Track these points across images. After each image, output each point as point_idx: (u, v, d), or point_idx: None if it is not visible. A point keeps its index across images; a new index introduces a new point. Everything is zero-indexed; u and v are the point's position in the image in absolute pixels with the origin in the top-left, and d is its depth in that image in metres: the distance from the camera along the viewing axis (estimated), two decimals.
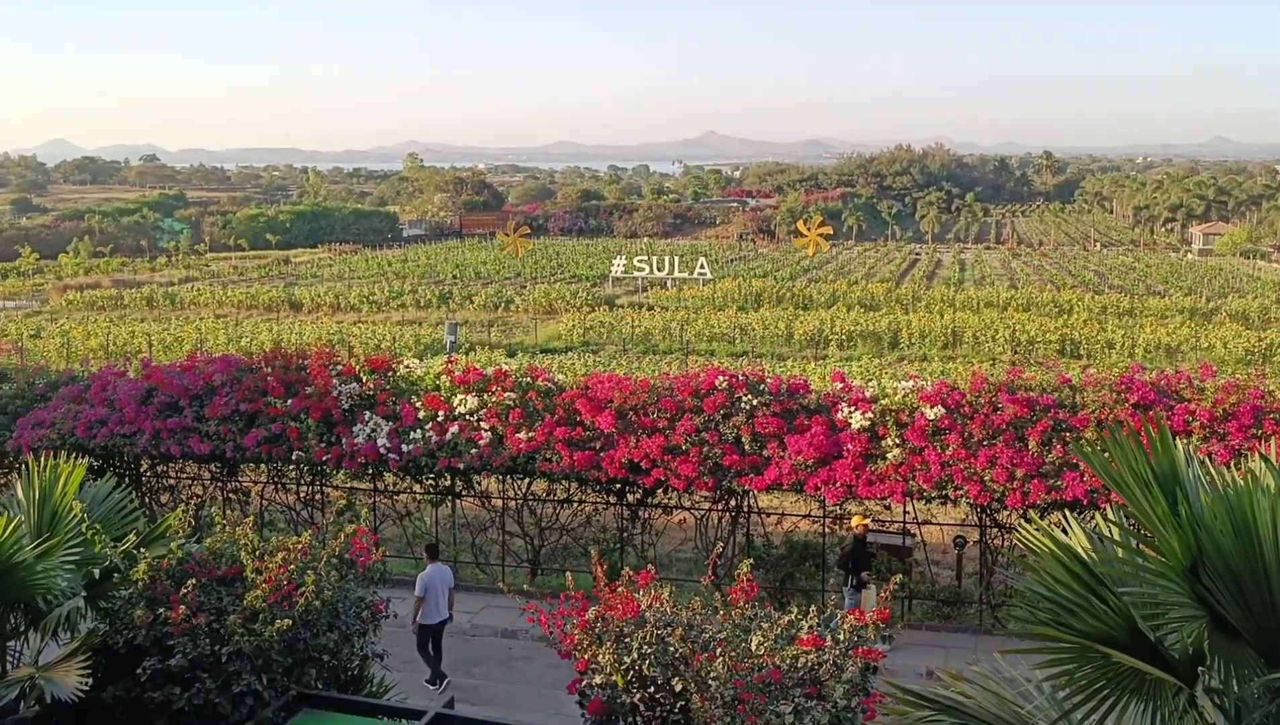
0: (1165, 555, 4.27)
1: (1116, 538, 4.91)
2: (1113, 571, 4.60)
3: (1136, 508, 4.51)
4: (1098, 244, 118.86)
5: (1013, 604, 4.80)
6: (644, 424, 14.20)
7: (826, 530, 14.98)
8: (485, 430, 14.79)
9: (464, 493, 16.02)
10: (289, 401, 15.32)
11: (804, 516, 15.57)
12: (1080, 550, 5.05)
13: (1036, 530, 5.11)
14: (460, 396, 15.13)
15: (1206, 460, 5.01)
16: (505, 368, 16.24)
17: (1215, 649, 4.30)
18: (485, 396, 15.11)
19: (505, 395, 15.02)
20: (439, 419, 14.96)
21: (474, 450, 14.61)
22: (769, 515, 15.57)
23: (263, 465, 16.14)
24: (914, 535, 15.14)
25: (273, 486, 16.57)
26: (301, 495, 16.46)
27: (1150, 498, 4.40)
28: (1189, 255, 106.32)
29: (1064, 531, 5.14)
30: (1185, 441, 12.26)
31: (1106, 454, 4.70)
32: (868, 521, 13.84)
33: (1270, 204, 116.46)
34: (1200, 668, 4.37)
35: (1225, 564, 4.35)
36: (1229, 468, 5.79)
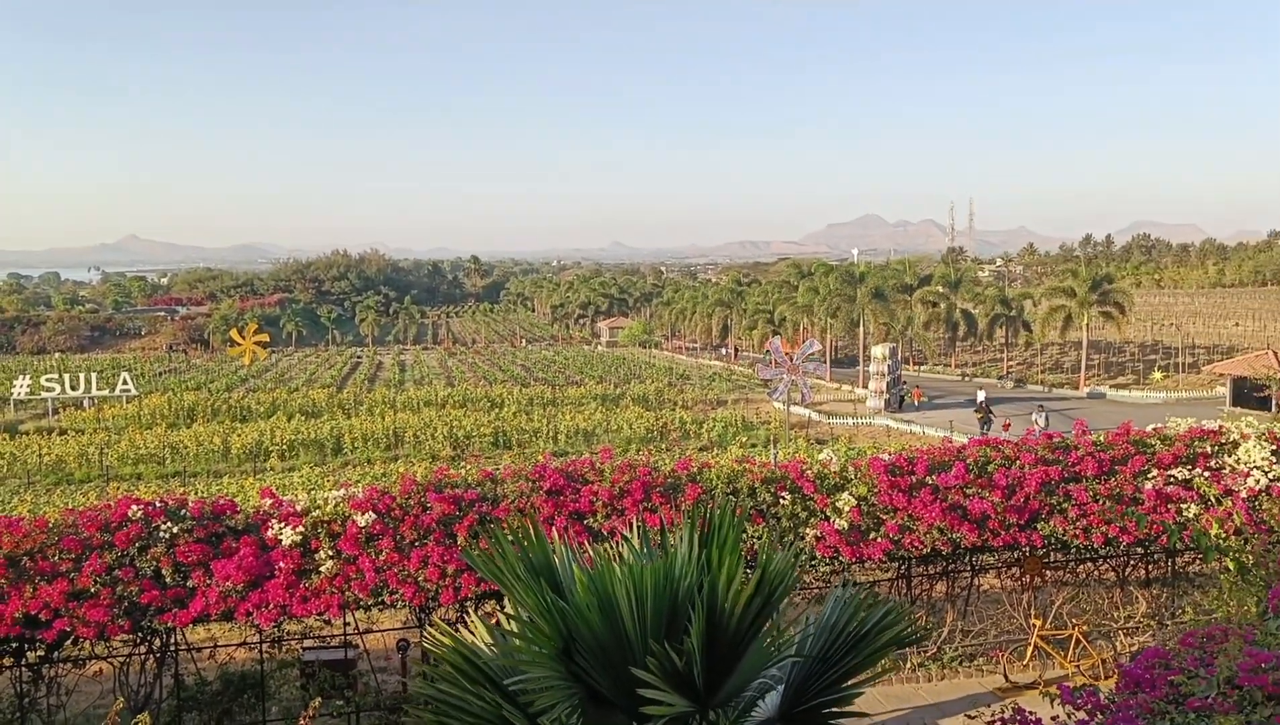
0: (540, 642, 4.73)
1: (514, 629, 5.35)
2: (502, 661, 5.00)
3: (519, 600, 4.96)
4: (524, 340, 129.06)
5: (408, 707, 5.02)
6: (43, 569, 12.50)
7: (265, 655, 14.27)
8: None
9: None
10: None
11: (239, 645, 14.69)
12: (483, 645, 5.43)
13: (436, 630, 5.40)
14: None
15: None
16: None
17: (589, 720, 4.83)
18: None
19: None
20: None
21: None
22: (200, 650, 14.46)
23: None
24: (357, 646, 14.98)
25: None
26: None
27: (525, 589, 4.87)
28: (599, 347, 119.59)
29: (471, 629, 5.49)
30: (591, 520, 13.73)
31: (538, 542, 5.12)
32: None
33: (659, 300, 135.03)
34: None
35: (595, 639, 4.92)
36: (625, 540, 6.59)
